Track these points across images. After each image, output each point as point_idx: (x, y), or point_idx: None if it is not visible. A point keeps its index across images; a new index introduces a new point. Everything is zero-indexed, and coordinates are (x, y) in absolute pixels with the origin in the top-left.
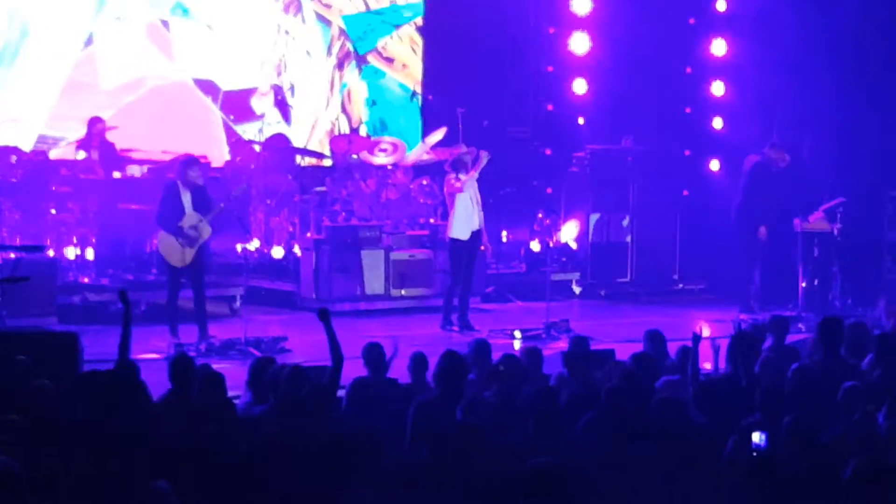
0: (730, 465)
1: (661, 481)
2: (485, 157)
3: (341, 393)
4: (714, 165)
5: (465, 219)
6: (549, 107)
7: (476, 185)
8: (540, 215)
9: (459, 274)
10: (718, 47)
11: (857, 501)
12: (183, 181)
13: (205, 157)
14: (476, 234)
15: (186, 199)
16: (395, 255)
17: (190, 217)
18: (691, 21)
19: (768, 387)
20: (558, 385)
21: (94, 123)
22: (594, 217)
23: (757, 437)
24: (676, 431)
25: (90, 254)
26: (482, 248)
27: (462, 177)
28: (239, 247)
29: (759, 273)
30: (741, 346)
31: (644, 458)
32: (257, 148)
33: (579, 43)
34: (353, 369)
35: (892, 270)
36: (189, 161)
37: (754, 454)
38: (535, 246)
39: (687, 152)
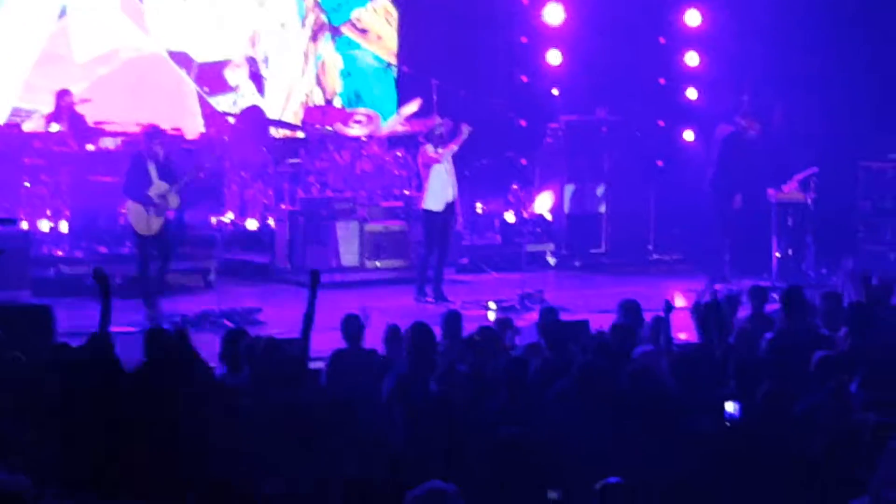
0: (703, 434)
1: (633, 451)
2: (466, 131)
3: (320, 365)
4: (688, 136)
5: (439, 190)
6: (524, 78)
7: (450, 157)
8: (515, 186)
9: (433, 245)
10: (692, 17)
11: (829, 471)
12: (148, 152)
13: (178, 129)
14: (450, 206)
15: (152, 169)
16: (369, 227)
17: (157, 186)
18: None
19: (742, 357)
20: (527, 355)
21: (62, 96)
22: (569, 188)
23: (731, 406)
24: (650, 402)
25: (64, 227)
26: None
27: (440, 150)
28: (213, 219)
29: (731, 243)
30: (713, 315)
31: (617, 427)
32: (231, 120)
33: (553, 14)
34: (330, 341)
35: (866, 239)
36: (152, 132)
37: (728, 424)
38: (509, 217)
39: (661, 123)
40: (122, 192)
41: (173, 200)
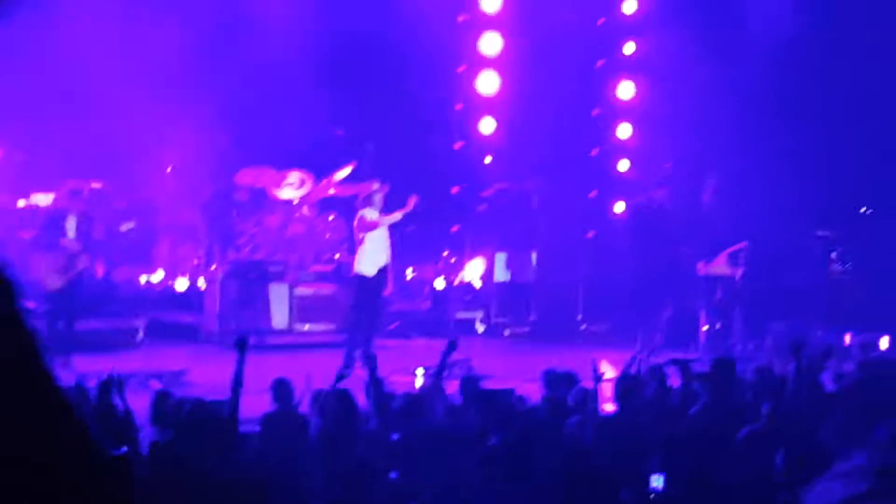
0: None
1: None
2: (412, 203)
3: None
4: (619, 207)
5: (373, 256)
6: (457, 145)
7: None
8: (445, 253)
9: (364, 310)
10: (626, 90)
11: None
12: (69, 208)
13: (106, 185)
14: (382, 271)
15: (71, 225)
16: (299, 290)
17: (70, 244)
18: (599, 63)
19: (667, 429)
20: (451, 423)
21: None
22: (500, 256)
23: (655, 480)
24: (575, 475)
25: None
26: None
27: (382, 217)
28: (143, 278)
29: (663, 314)
30: (638, 386)
31: (539, 499)
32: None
33: (488, 82)
34: (261, 404)
35: (794, 314)
36: (75, 189)
37: (652, 497)
38: (439, 283)
39: (592, 194)
40: (33, 246)
41: (82, 260)
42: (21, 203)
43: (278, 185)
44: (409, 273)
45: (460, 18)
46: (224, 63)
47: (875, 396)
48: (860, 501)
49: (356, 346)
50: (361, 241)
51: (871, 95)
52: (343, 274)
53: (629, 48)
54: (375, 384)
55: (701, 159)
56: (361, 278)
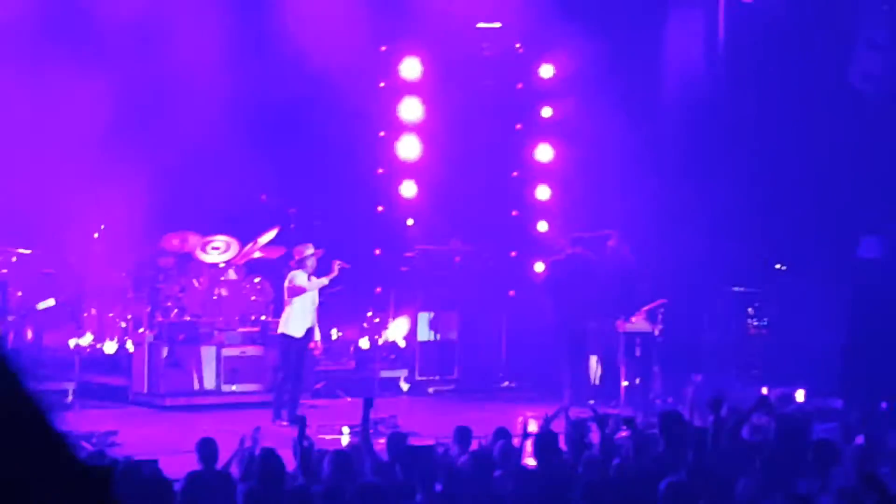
0: None
1: None
2: (337, 268)
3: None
4: (539, 267)
5: (300, 316)
6: (380, 208)
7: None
8: (369, 313)
9: (290, 370)
10: (544, 152)
11: None
12: None
13: (34, 251)
14: (309, 332)
15: None
16: (226, 352)
17: None
18: (518, 127)
19: (590, 482)
20: (379, 479)
21: None
22: (423, 315)
23: None
24: None
25: None
26: (312, 345)
27: (311, 280)
28: (72, 341)
29: (580, 369)
30: (549, 442)
31: None
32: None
33: (409, 146)
34: (188, 463)
35: (711, 369)
36: None
37: None
38: (364, 343)
39: (513, 254)
40: None
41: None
42: None
43: (204, 249)
44: (335, 333)
45: (381, 84)
46: (149, 129)
47: (792, 449)
48: None
49: (283, 405)
50: (290, 303)
51: (781, 154)
52: (269, 335)
53: (546, 112)
54: (303, 443)
55: (617, 218)
56: (288, 339)
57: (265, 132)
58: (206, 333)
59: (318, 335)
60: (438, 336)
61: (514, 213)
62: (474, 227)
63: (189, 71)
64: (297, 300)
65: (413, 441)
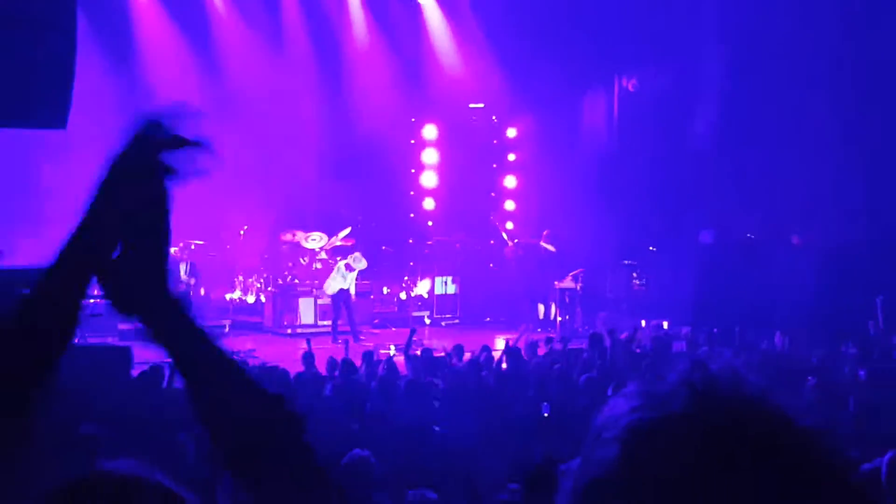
0: (519, 419)
1: (479, 433)
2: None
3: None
4: (509, 251)
5: (332, 283)
6: (411, 215)
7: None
8: (406, 278)
9: (336, 313)
10: (510, 181)
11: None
12: (180, 258)
13: (205, 243)
14: (342, 290)
15: (182, 268)
16: (320, 301)
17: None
18: (494, 166)
19: (541, 373)
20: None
21: None
22: (438, 279)
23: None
24: (486, 403)
25: None
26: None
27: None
28: (227, 296)
29: (533, 310)
30: (514, 353)
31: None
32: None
33: (429, 179)
34: (297, 366)
35: (612, 311)
36: (186, 245)
37: (546, 415)
38: (402, 295)
39: (492, 242)
40: None
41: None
42: None
43: (306, 239)
44: (385, 290)
45: (412, 141)
46: (271, 167)
47: (661, 357)
48: (633, 411)
49: (337, 333)
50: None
51: (651, 183)
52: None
53: (511, 157)
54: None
55: (553, 221)
56: (330, 296)
57: (343, 169)
58: (306, 291)
59: (353, 290)
60: (447, 291)
61: (491, 217)
62: (468, 226)
63: (294, 129)
64: (332, 274)
65: (434, 353)
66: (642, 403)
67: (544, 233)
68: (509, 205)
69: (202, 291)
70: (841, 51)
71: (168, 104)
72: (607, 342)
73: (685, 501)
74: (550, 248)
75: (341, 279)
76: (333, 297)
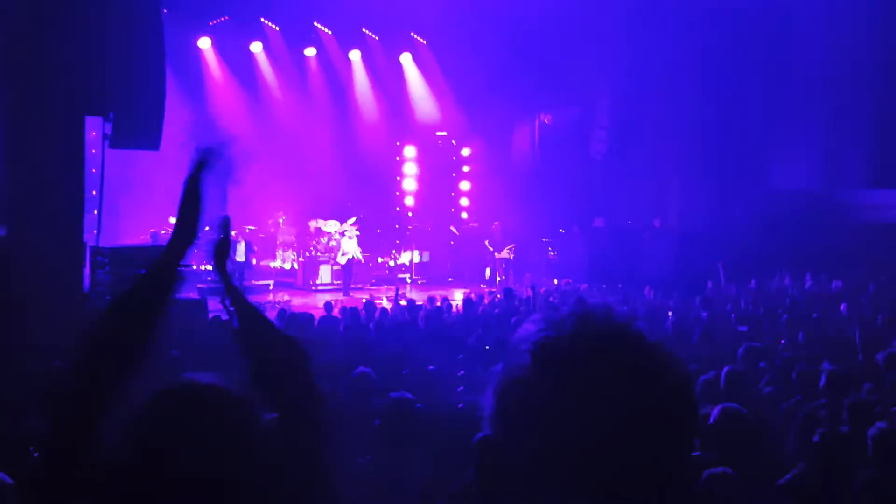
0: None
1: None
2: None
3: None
4: (465, 214)
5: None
6: (397, 209)
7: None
8: (394, 251)
9: (346, 278)
10: (465, 185)
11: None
12: (237, 239)
13: (256, 227)
14: (349, 261)
15: (240, 248)
16: (333, 267)
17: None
18: (454, 174)
19: (486, 320)
20: (402, 319)
21: None
22: (416, 252)
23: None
24: (439, 332)
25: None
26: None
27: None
28: (272, 264)
29: (481, 273)
30: (469, 301)
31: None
32: (281, 219)
33: (409, 184)
34: (320, 312)
35: (536, 273)
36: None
37: (487, 348)
38: (391, 263)
39: (452, 228)
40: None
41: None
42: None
43: (325, 225)
44: (380, 259)
45: (397, 158)
46: (301, 170)
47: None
48: (539, 332)
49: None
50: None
51: (561, 187)
52: (349, 261)
53: (466, 168)
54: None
55: (499, 215)
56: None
57: (350, 175)
58: (325, 260)
59: (361, 257)
60: (422, 260)
61: (451, 210)
62: (436, 215)
63: (316, 147)
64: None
65: (413, 302)
66: (544, 326)
67: (495, 224)
68: (464, 201)
69: (254, 261)
70: (689, 94)
71: (218, 137)
72: (531, 294)
73: (572, 389)
74: (510, 256)
75: (351, 248)
76: (344, 265)
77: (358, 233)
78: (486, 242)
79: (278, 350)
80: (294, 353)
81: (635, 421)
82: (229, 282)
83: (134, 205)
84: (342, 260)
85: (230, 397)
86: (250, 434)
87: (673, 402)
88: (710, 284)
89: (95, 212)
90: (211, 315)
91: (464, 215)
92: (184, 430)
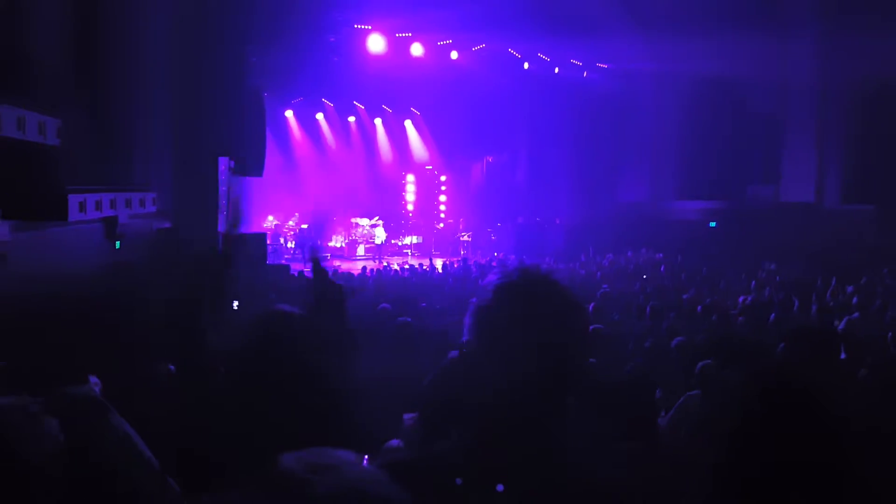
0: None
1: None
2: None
3: None
4: (440, 225)
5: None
6: (403, 212)
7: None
8: (401, 237)
9: (375, 251)
10: (443, 198)
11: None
12: (277, 232)
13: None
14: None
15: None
16: (368, 248)
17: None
18: (436, 192)
19: (463, 285)
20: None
21: None
22: (413, 237)
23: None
24: (405, 296)
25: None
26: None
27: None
28: (329, 244)
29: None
30: (446, 266)
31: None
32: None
33: (410, 192)
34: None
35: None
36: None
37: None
38: (399, 243)
39: (440, 225)
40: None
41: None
42: (266, 223)
43: (360, 220)
44: (393, 241)
45: (403, 181)
46: (349, 189)
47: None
48: (499, 279)
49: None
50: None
51: (506, 195)
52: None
53: (444, 188)
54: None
55: (462, 214)
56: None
57: (374, 192)
58: (360, 242)
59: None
60: (417, 242)
61: (434, 213)
62: (426, 217)
63: (354, 174)
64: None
65: (413, 266)
66: (501, 276)
67: (461, 220)
68: (442, 207)
69: (320, 242)
70: (570, 142)
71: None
72: (481, 262)
73: (519, 312)
74: (469, 239)
75: (381, 234)
76: (378, 244)
77: (381, 224)
78: (460, 232)
79: (332, 290)
80: (340, 292)
81: (554, 330)
82: (315, 258)
83: (246, 208)
84: (377, 241)
85: (301, 317)
86: (311, 337)
87: (575, 319)
88: (582, 257)
89: (224, 213)
90: (295, 273)
91: (442, 216)
92: (278, 332)
